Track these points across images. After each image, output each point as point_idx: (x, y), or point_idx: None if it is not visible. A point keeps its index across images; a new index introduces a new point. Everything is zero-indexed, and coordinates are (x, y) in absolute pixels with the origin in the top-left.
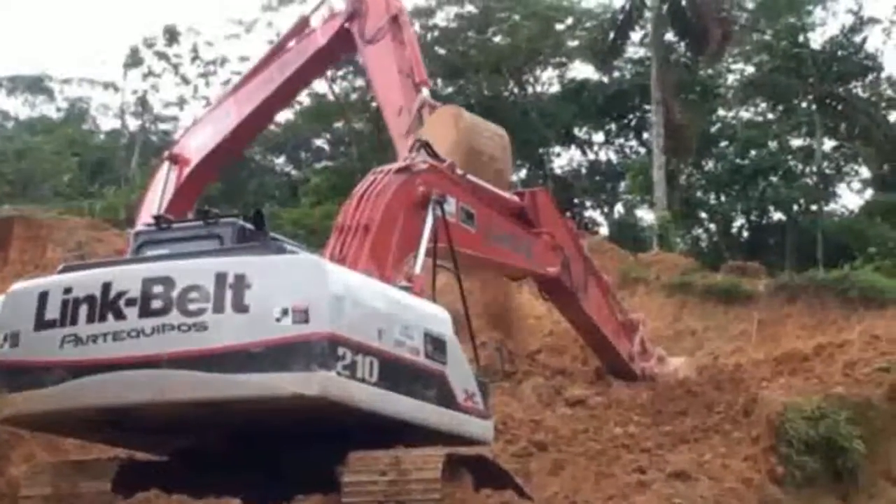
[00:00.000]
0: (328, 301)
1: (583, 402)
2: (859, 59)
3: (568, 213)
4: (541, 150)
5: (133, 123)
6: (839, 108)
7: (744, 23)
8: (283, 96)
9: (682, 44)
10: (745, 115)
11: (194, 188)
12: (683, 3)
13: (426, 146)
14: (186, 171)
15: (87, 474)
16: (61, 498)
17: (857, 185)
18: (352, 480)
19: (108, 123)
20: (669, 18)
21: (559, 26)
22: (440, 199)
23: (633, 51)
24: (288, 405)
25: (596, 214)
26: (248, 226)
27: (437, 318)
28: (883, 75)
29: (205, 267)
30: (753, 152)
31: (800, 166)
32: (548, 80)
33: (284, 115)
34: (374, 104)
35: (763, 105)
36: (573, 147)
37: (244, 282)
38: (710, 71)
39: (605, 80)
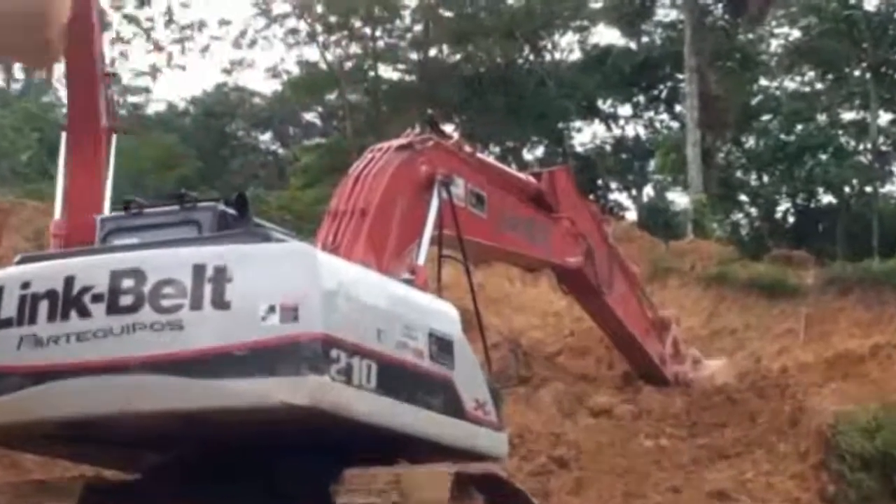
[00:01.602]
0: (320, 297)
1: (608, 412)
2: None
3: (591, 196)
4: (560, 125)
5: None
6: None
7: None
8: None
9: (720, 5)
10: (791, 85)
11: None
12: None
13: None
14: None
15: (50, 495)
16: None
17: None
18: (347, 502)
19: None
20: None
21: None
22: (446, 180)
23: (664, 13)
24: (275, 415)
25: (622, 197)
26: (230, 211)
27: (444, 315)
28: None
29: (180, 258)
30: (800, 127)
31: (852, 143)
32: (567, 46)
33: (271, 86)
34: (371, 73)
35: (811, 74)
36: (596, 121)
37: (225, 275)
38: (750, 35)
39: (633, 46)
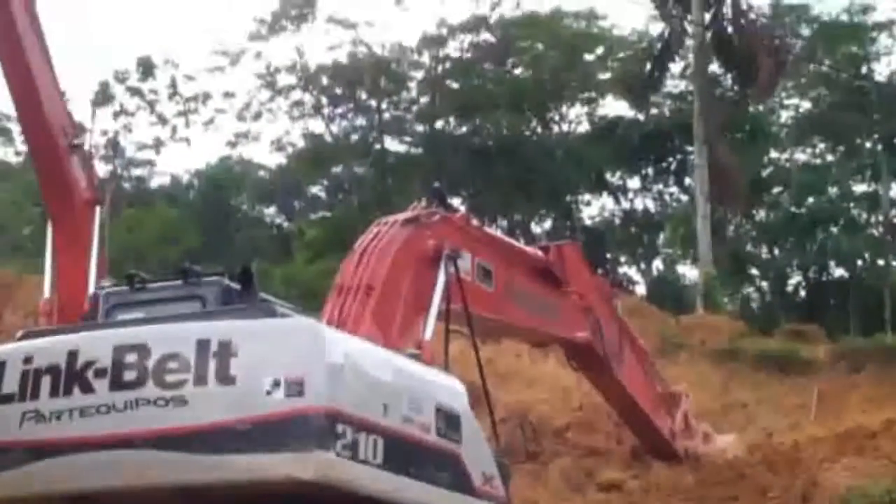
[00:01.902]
0: (326, 371)
1: (618, 487)
2: None
3: (600, 270)
4: (568, 198)
5: (103, 169)
6: None
7: (799, 52)
8: None
9: (729, 76)
10: (801, 157)
11: None
12: (730, 29)
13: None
14: None
15: None
16: None
17: None
18: None
19: None
20: (714, 47)
21: (588, 57)
22: (454, 255)
23: (673, 84)
24: (281, 490)
25: (632, 271)
26: (235, 285)
27: (451, 390)
28: None
29: (185, 333)
30: (811, 199)
31: (864, 215)
32: (576, 118)
33: (276, 159)
34: (376, 146)
35: (821, 146)
36: (605, 194)
37: (230, 349)
38: (760, 107)
39: (641, 117)
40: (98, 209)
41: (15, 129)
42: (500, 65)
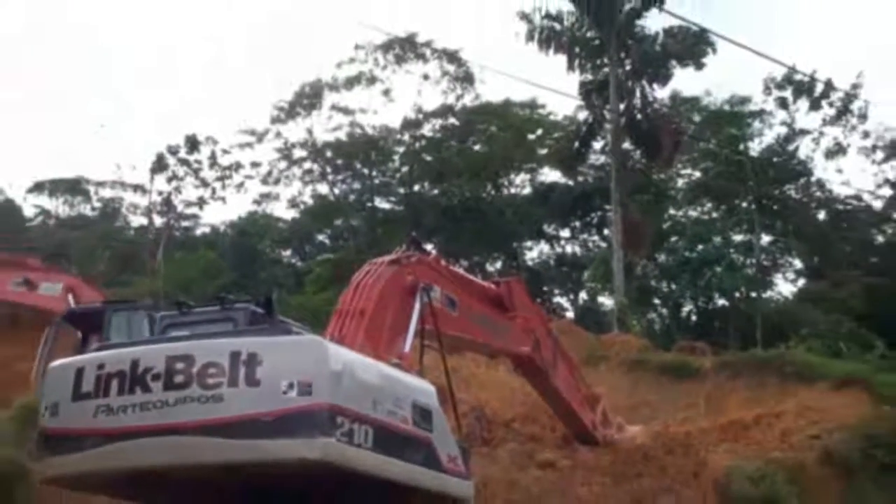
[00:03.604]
0: (329, 376)
1: (552, 465)
2: (792, 165)
3: (538, 300)
4: (514, 245)
5: (158, 220)
6: (775, 207)
7: (691, 134)
8: None
9: (638, 152)
10: (693, 213)
11: None
12: (639, 116)
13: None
14: None
15: None
16: None
17: (790, 274)
18: None
19: (136, 221)
20: (627, 130)
21: (531, 137)
22: (427, 288)
23: (595, 158)
24: (294, 468)
25: (563, 300)
26: (259, 310)
27: (424, 390)
28: (813, 179)
29: (221, 346)
30: (700, 246)
31: (741, 258)
32: (521, 183)
33: (291, 213)
34: (369, 204)
35: (709, 205)
36: (543, 242)
37: (256, 359)
38: (662, 175)
39: (571, 183)
40: None
41: (92, 189)
42: (463, 142)
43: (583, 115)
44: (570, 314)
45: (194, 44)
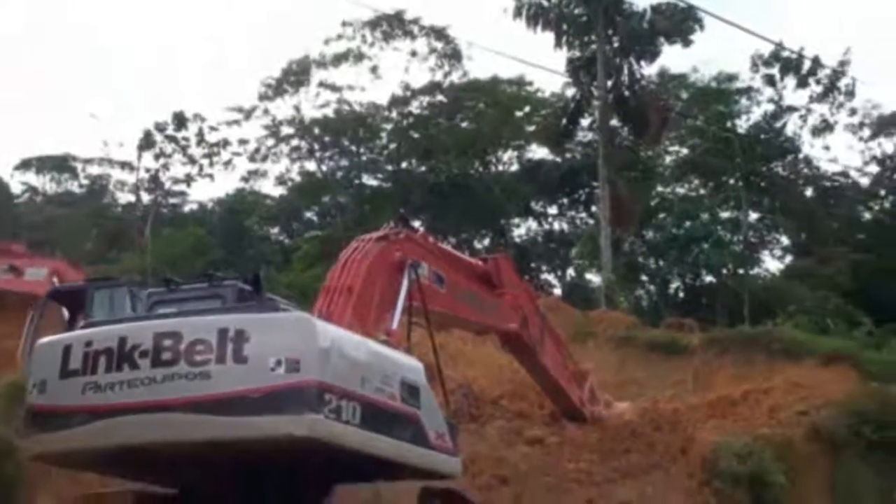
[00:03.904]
0: (317, 353)
1: (540, 442)
2: (780, 143)
3: (526, 277)
4: (502, 222)
5: (146, 198)
6: (762, 184)
7: (679, 111)
8: None
9: (626, 129)
10: (681, 190)
11: None
12: (627, 93)
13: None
14: None
15: None
16: None
17: (778, 251)
18: None
19: (124, 198)
20: (614, 107)
21: (518, 114)
22: (415, 264)
23: (583, 135)
24: (282, 444)
25: (550, 277)
26: (247, 287)
27: (412, 367)
28: (800, 156)
29: (209, 323)
30: (688, 223)
31: (728, 235)
32: (508, 160)
33: (279, 191)
34: (356, 181)
35: (696, 182)
36: (530, 218)
37: (243, 336)
38: (650, 152)
39: (559, 160)
40: None
41: (79, 167)
42: (451, 119)
43: (570, 91)
44: (557, 291)
45: (195, 43)
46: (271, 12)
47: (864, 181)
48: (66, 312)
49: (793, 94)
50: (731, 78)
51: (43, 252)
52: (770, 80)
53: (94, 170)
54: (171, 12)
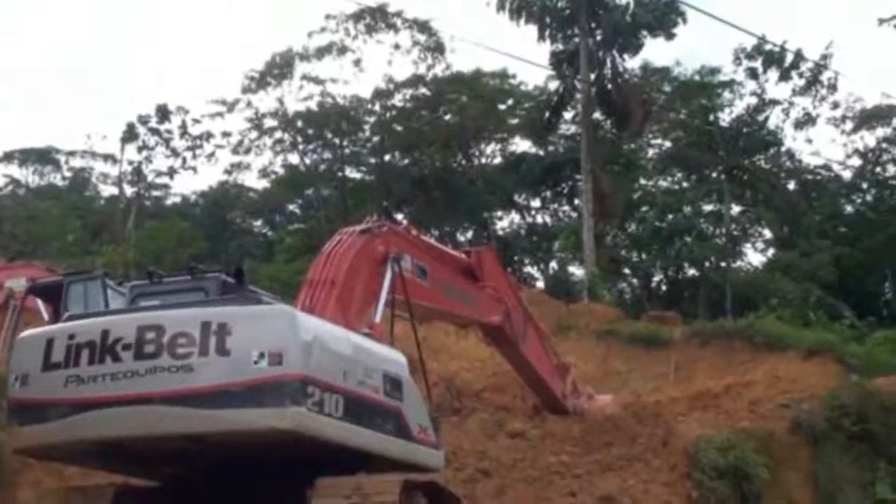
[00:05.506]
0: (299, 346)
1: (522, 435)
2: (762, 136)
3: (509, 269)
4: (485, 214)
5: (129, 190)
6: (745, 177)
7: (662, 104)
8: None
9: (609, 122)
10: (664, 183)
11: None
12: (609, 86)
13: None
14: None
15: (87, 498)
16: None
17: (760, 244)
18: (319, 503)
19: (107, 190)
20: (597, 100)
21: (501, 106)
22: (398, 257)
23: (566, 128)
24: (264, 437)
25: (533, 270)
26: (230, 280)
27: (395, 360)
28: (783, 149)
29: (192, 316)
30: (670, 216)
31: (711, 228)
32: (491, 153)
33: (262, 183)
34: (339, 174)
35: (679, 175)
36: (513, 211)
37: (226, 329)
38: (632, 145)
39: (542, 153)
40: None
41: (62, 159)
42: (434, 112)
43: (553, 84)
44: (540, 284)
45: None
46: (255, 5)
47: (847, 174)
48: (43, 306)
49: (775, 88)
50: (714, 71)
51: (24, 256)
52: (753, 74)
53: (77, 162)
54: (154, 5)
